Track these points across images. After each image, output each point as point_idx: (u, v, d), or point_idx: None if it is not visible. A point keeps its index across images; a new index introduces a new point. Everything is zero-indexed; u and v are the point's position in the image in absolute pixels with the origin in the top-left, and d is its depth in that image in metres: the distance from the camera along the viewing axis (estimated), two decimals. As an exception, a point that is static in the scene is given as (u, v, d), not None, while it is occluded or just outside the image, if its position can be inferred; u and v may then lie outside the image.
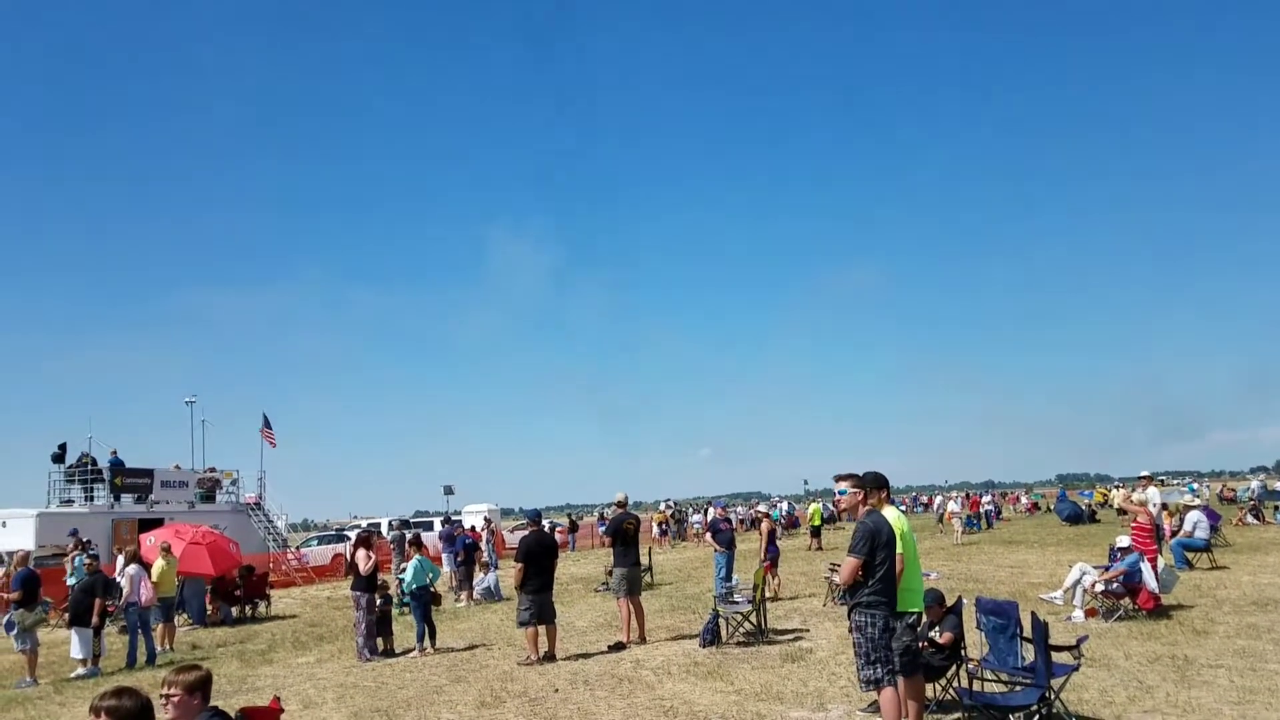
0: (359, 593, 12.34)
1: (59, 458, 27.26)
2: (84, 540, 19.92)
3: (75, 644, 12.71)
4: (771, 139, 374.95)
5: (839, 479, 6.72)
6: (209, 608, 18.47)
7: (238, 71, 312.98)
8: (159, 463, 30.23)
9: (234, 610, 18.81)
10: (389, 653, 12.50)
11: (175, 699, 4.22)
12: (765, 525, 17.53)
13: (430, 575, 12.95)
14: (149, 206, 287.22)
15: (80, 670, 12.51)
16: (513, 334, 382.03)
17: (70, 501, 27.04)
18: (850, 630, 6.35)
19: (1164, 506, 18.80)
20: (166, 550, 16.09)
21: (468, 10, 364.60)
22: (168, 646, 14.57)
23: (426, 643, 12.46)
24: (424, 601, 12.62)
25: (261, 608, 19.54)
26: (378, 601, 12.62)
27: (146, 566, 14.57)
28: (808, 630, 12.25)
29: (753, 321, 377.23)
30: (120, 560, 14.20)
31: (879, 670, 6.11)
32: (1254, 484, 48.65)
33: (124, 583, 13.74)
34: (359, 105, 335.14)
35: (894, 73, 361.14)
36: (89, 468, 27.33)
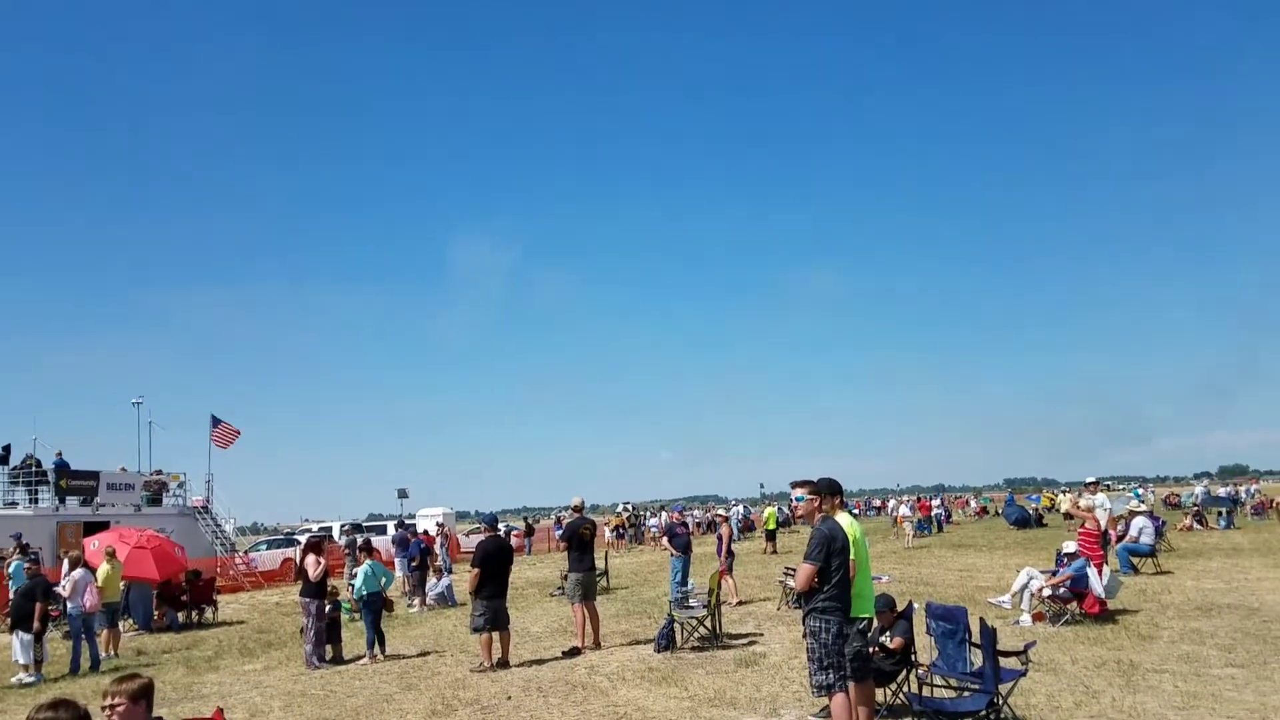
0: (308, 599, 12.16)
1: (2, 459, 26.65)
2: (25, 544, 19.47)
3: (16, 649, 12.42)
4: (732, 140, 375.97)
5: (795, 485, 6.79)
6: (155, 613, 18.11)
7: (188, 60, 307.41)
8: (105, 465, 29.55)
9: (180, 616, 18.45)
10: (338, 660, 12.34)
11: (120, 708, 4.13)
12: (725, 529, 17.55)
13: (383, 580, 12.80)
14: (98, 203, 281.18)
15: (22, 676, 12.22)
16: (469, 335, 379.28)
17: (14, 504, 26.39)
18: (805, 635, 6.40)
19: (1110, 512, 19.14)
20: (111, 554, 15.78)
21: (429, 8, 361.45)
22: (112, 652, 14.26)
23: (376, 650, 12.32)
24: (375, 608, 12.47)
25: (208, 613, 19.18)
26: (327, 608, 12.46)
27: (92, 570, 14.26)
28: (762, 635, 12.32)
29: (710, 324, 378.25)
30: (65, 564, 13.86)
31: (831, 675, 6.17)
32: (1198, 490, 49.71)
33: (67, 587, 13.43)
34: (324, 102, 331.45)
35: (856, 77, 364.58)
36: (33, 469, 26.70)
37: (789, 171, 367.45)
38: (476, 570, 11.05)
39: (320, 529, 35.45)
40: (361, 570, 12.94)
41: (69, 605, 13.31)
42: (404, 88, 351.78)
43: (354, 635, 13.58)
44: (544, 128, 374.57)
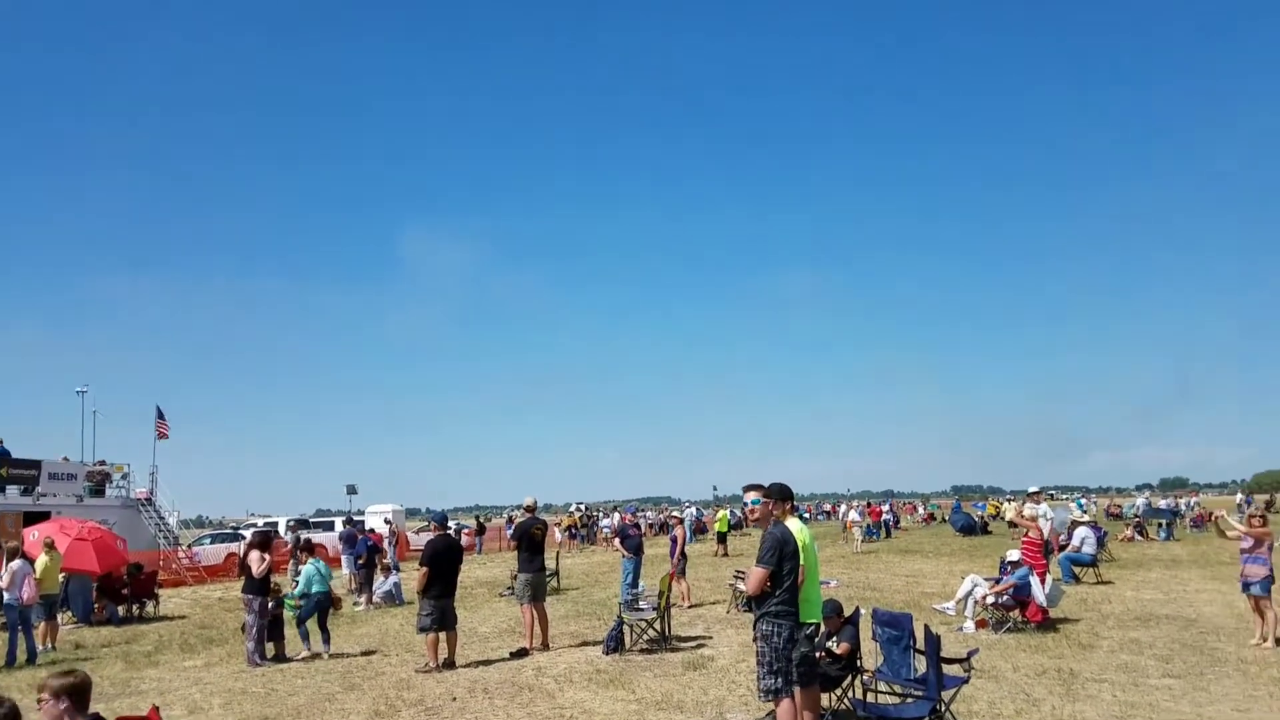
0: (251, 595, 11.96)
1: (-61, 446, 25.88)
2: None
3: None
4: (704, 139, 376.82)
5: (747, 489, 6.79)
6: (94, 606, 17.72)
7: (139, 46, 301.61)
8: (47, 454, 28.94)
9: (120, 609, 18.06)
10: (280, 658, 12.14)
11: (44, 703, 4.07)
12: (680, 532, 17.49)
13: (321, 580, 12.58)
14: (44, 187, 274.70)
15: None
16: (422, 331, 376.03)
17: (-50, 492, 25.68)
18: (755, 639, 6.41)
19: (1051, 522, 19.49)
20: (50, 546, 15.39)
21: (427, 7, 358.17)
22: (50, 645, 13.93)
23: (319, 647, 12.20)
24: (319, 606, 12.33)
25: (149, 607, 18.80)
26: (270, 605, 12.29)
27: (30, 562, 13.90)
28: (710, 638, 12.34)
29: (666, 327, 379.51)
30: (4, 556, 13.51)
31: (779, 680, 6.19)
32: (1139, 501, 50.81)
33: (5, 578, 13.07)
34: (282, 91, 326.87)
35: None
36: (-29, 457, 25.99)
37: (749, 174, 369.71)
38: (425, 569, 10.94)
39: (266, 524, 34.96)
40: (306, 570, 12.75)
41: (5, 596, 12.95)
42: (401, 87, 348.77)
43: (297, 634, 13.30)
44: (542, 128, 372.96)
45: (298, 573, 13.43)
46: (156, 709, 5.19)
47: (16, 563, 13.31)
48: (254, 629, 11.86)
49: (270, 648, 12.19)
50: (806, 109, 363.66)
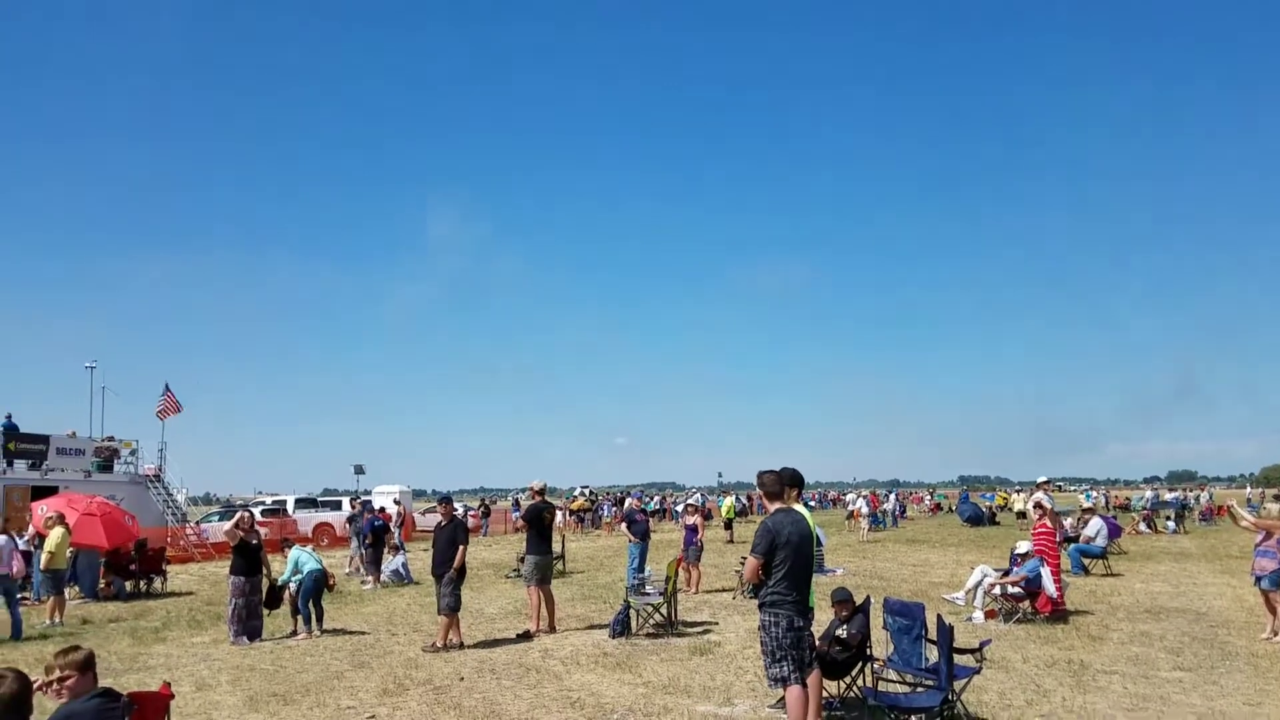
0: (230, 576, 12.13)
1: (-52, 420, 25.97)
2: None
3: None
4: (715, 130, 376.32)
5: (762, 474, 6.75)
6: (102, 581, 17.79)
7: (151, 27, 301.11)
8: (56, 429, 29.00)
9: (128, 585, 18.11)
10: (255, 633, 12.05)
11: (69, 680, 4.07)
12: (698, 519, 17.56)
13: (311, 559, 12.64)
14: (56, 162, 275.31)
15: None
16: (432, 311, 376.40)
17: (-41, 466, 25.77)
18: (759, 628, 6.38)
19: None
20: (60, 520, 15.43)
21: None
22: (58, 620, 13.96)
23: (313, 626, 12.30)
24: (316, 584, 12.38)
25: (157, 583, 18.86)
26: (275, 586, 12.44)
27: (24, 538, 13.92)
28: (717, 624, 12.33)
29: (672, 311, 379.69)
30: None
31: (785, 668, 6.15)
32: (1148, 494, 50.69)
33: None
34: (288, 69, 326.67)
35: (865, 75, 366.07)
36: (-19, 431, 26.08)
37: (763, 164, 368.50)
38: (463, 549, 10.98)
39: (274, 502, 35.07)
40: (291, 553, 12.77)
41: None
42: (412, 65, 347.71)
43: (277, 616, 13.18)
44: (527, 102, 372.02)
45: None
46: (168, 685, 5.18)
47: (1, 538, 13.34)
48: (230, 608, 11.99)
49: (260, 625, 12.21)
50: (800, 103, 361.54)
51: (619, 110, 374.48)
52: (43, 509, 17.57)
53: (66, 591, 15.47)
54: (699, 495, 53.85)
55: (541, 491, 12.81)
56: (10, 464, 26.50)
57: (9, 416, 26.71)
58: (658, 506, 49.39)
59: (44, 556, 14.92)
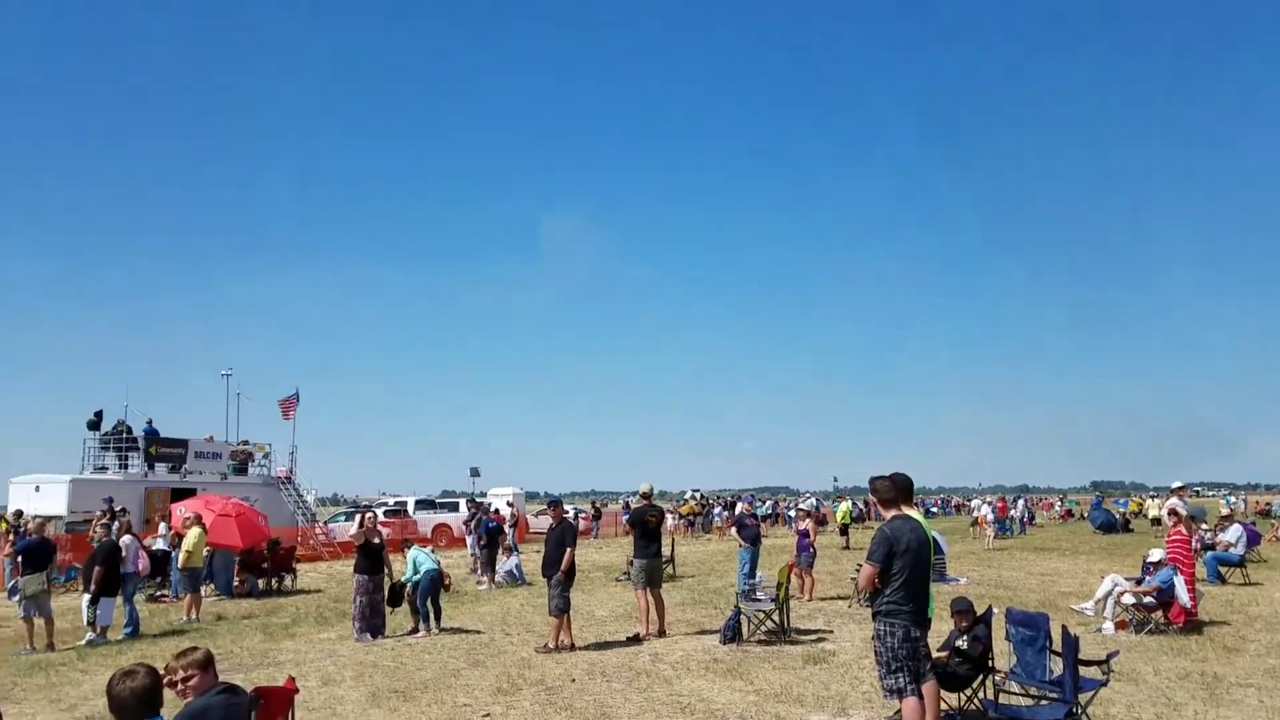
0: (355, 575, 12.56)
1: (95, 425, 27.54)
2: (114, 509, 20.09)
3: (84, 610, 12.85)
4: (848, 141, 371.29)
5: (874, 480, 6.60)
6: (236, 579, 18.63)
7: (283, 42, 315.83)
8: (193, 434, 30.58)
9: (260, 583, 18.95)
10: (377, 630, 12.41)
11: (192, 680, 4.22)
12: (810, 525, 17.38)
13: (429, 559, 12.96)
14: (193, 180, 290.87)
15: (90, 635, 12.57)
16: (547, 317, 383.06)
17: (104, 469, 27.36)
18: (873, 637, 6.23)
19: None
20: (197, 520, 16.23)
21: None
22: (194, 617, 14.68)
23: (432, 624, 12.63)
24: (433, 583, 12.70)
25: (287, 581, 19.68)
26: (397, 585, 12.83)
27: (180, 537, 14.61)
28: (831, 632, 12.11)
29: (787, 315, 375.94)
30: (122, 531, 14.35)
31: (901, 679, 5.98)
32: (1292, 499, 47.58)
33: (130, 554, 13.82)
34: (406, 78, 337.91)
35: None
36: (124, 436, 27.64)
37: (914, 169, 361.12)
38: (570, 550, 11.07)
39: (396, 503, 36.16)
40: (410, 553, 13.12)
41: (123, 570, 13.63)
42: (504, 71, 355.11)
43: (396, 614, 13.54)
44: (652, 111, 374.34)
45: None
46: (292, 679, 5.36)
47: (127, 538, 14.04)
48: (355, 607, 12.43)
49: (374, 623, 12.56)
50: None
51: (741, 118, 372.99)
52: (181, 510, 18.51)
53: (202, 589, 16.27)
54: (813, 500, 53.08)
55: (648, 495, 12.82)
56: (151, 467, 28.05)
57: (150, 422, 28.23)
58: (770, 511, 48.97)
59: (182, 555, 15.75)
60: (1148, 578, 12.13)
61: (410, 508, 35.50)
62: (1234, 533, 17.86)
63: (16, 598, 12.43)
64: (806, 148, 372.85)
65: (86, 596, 12.75)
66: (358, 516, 13.40)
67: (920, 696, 6.03)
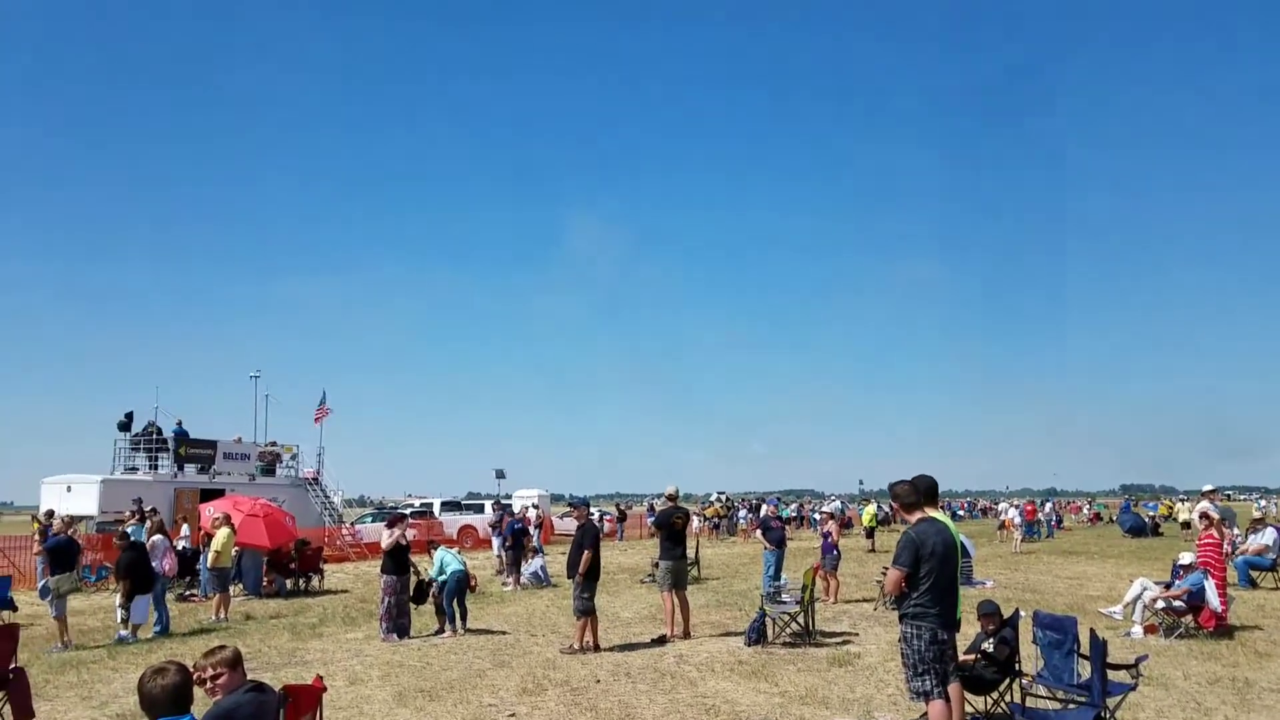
0: (382, 575, 12.65)
1: (125, 426, 27.82)
2: (143, 509, 20.30)
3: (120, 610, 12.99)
4: (854, 138, 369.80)
5: (894, 485, 6.57)
6: (264, 579, 18.80)
7: (305, 48, 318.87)
8: (223, 435, 30.83)
9: (288, 583, 19.08)
10: (404, 630, 12.50)
11: (222, 678, 4.28)
12: (834, 527, 17.35)
13: (456, 560, 13.03)
14: (219, 186, 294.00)
15: (122, 633, 12.72)
16: (571, 320, 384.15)
17: (135, 469, 27.63)
18: (899, 640, 6.21)
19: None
20: (226, 521, 16.39)
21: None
22: (223, 616, 14.81)
23: (458, 625, 12.68)
24: (460, 584, 12.77)
25: (315, 582, 19.83)
26: (426, 584, 12.89)
27: (209, 537, 14.73)
28: (857, 634, 12.07)
29: (811, 317, 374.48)
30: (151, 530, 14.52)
31: (928, 682, 5.97)
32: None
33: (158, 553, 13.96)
34: (428, 83, 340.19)
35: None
36: (154, 437, 27.89)
37: (911, 166, 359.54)
38: (588, 553, 11.08)
39: (422, 504, 36.34)
40: (437, 554, 13.19)
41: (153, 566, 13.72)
42: (529, 73, 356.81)
43: (421, 614, 13.60)
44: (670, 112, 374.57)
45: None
46: (320, 678, 5.42)
47: (157, 538, 14.17)
48: (382, 607, 12.51)
49: (407, 623, 12.66)
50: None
51: (759, 116, 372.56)
52: (210, 510, 18.70)
53: (231, 589, 16.42)
54: (838, 503, 52.82)
55: (674, 497, 12.83)
56: (181, 468, 28.33)
57: (179, 423, 28.46)
58: (794, 514, 48.79)
59: (210, 555, 15.90)
60: (1177, 581, 12.00)
61: (436, 509, 35.68)
62: (1267, 536, 17.60)
63: (49, 597, 12.59)
64: (836, 148, 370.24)
65: (119, 595, 12.91)
66: (392, 524, 13.25)
67: (947, 699, 6.02)
